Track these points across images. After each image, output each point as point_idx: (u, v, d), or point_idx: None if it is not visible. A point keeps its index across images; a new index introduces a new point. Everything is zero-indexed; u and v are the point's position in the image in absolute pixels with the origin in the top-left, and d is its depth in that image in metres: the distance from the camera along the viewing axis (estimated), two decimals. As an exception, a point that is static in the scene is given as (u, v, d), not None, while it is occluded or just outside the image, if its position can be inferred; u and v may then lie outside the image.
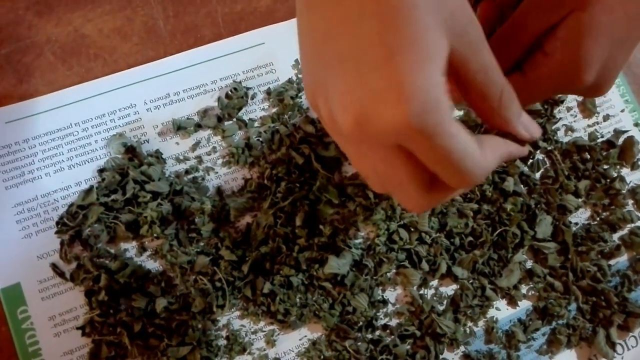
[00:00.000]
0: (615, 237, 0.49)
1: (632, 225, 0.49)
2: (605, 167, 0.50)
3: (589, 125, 0.51)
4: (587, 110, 0.51)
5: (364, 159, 0.30)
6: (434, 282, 0.45)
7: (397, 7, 0.25)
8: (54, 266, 0.42)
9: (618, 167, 0.50)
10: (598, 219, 0.49)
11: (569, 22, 0.33)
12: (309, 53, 0.30)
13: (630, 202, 0.50)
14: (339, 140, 0.31)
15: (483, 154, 0.29)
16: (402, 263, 0.45)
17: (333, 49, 0.27)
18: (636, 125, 0.51)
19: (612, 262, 0.48)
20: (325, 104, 0.28)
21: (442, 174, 0.28)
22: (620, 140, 0.51)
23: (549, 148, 0.49)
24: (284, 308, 0.43)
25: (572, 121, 0.51)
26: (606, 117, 0.51)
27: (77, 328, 0.41)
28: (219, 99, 0.46)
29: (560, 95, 0.51)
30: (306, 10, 0.28)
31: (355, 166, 0.32)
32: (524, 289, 0.46)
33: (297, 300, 0.43)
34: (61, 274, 0.42)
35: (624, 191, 0.49)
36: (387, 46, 0.25)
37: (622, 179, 0.49)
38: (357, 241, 0.45)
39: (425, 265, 0.45)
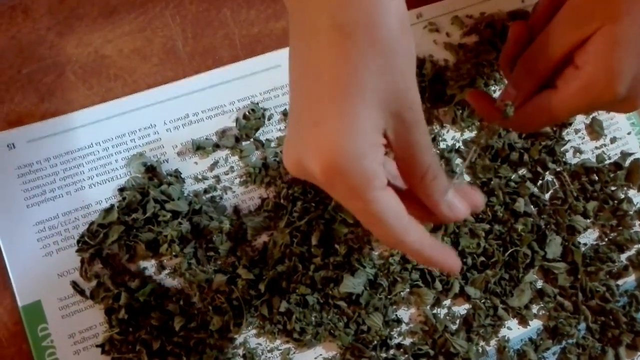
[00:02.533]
0: (623, 257, 0.50)
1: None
2: (613, 188, 0.51)
3: (596, 147, 0.52)
4: (595, 132, 0.52)
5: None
6: (447, 302, 0.46)
7: (342, 81, 0.29)
8: (75, 284, 0.42)
9: (625, 188, 0.51)
10: (606, 239, 0.50)
11: (599, 36, 0.34)
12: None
13: (638, 223, 0.51)
14: None
15: (411, 227, 0.31)
16: (416, 282, 0.46)
17: (291, 99, 0.32)
18: (642, 147, 0.53)
19: (620, 282, 0.49)
20: None
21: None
22: (627, 162, 0.52)
23: (558, 169, 0.50)
24: (300, 327, 0.43)
25: (580, 143, 0.52)
26: (613, 140, 0.53)
27: (97, 346, 0.41)
28: (236, 119, 0.47)
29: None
30: (289, 58, 0.33)
31: None
32: (534, 308, 0.47)
33: (313, 319, 0.44)
34: (81, 292, 0.42)
35: (631, 212, 0.50)
36: (323, 111, 0.29)
37: (629, 201, 0.50)
38: (371, 260, 0.46)
39: (438, 285, 0.46)
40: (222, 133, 0.47)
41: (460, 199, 0.34)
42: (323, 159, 0.29)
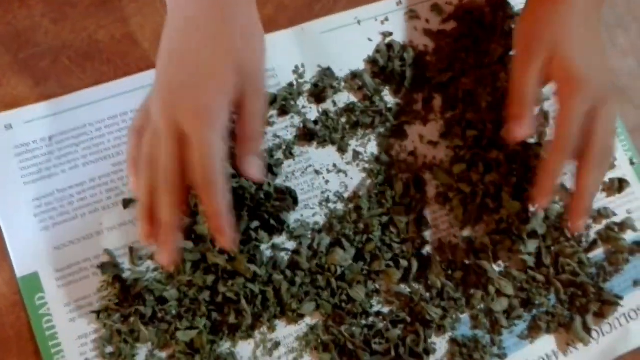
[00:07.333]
0: (592, 233, 0.52)
1: (609, 220, 0.53)
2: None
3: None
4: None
5: None
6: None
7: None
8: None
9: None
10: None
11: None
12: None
13: (607, 199, 0.53)
14: None
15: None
16: (387, 263, 0.48)
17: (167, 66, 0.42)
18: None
19: (590, 255, 0.52)
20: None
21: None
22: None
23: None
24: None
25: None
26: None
27: (92, 312, 0.44)
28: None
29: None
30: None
31: None
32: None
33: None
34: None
35: (601, 189, 0.53)
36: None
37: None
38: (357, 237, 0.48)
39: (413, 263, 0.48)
40: (210, 114, 0.49)
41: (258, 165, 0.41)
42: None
